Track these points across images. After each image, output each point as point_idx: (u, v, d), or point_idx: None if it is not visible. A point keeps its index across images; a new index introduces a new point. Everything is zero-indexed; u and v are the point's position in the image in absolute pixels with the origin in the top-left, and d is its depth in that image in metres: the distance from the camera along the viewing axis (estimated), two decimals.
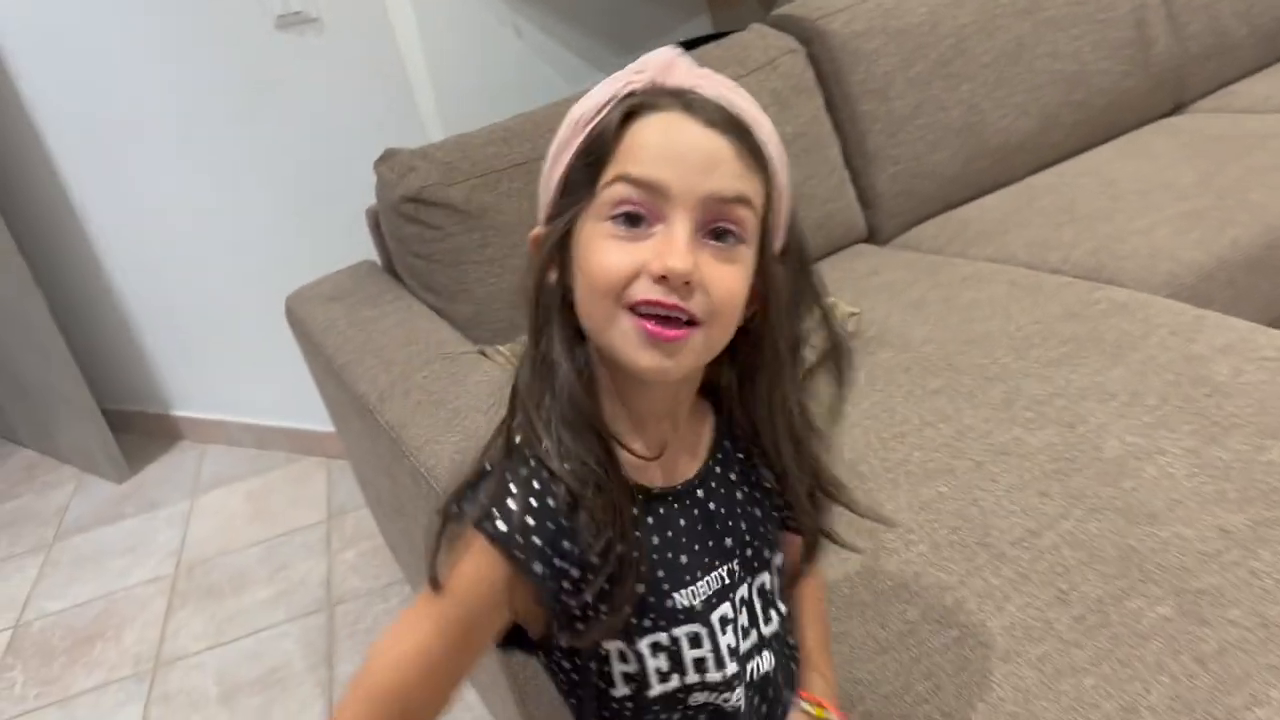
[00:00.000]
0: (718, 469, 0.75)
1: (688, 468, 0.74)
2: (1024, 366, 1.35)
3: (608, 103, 0.65)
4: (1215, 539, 1.00)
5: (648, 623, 0.69)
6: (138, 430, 2.93)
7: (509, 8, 2.10)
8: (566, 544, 0.64)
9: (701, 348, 0.65)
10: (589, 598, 0.65)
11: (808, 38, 1.92)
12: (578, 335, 0.68)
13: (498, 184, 1.64)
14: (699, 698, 0.72)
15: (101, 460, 2.74)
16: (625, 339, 0.63)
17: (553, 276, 0.68)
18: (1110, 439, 1.17)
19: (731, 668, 0.72)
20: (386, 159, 1.68)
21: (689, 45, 1.96)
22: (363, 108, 2.01)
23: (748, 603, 0.75)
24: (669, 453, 0.72)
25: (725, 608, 0.73)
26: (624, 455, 0.67)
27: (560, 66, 2.22)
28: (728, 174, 0.63)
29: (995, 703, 0.90)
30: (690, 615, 0.70)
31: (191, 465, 2.76)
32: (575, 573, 0.65)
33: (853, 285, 1.74)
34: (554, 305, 0.68)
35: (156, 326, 2.74)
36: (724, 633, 0.72)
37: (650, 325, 0.62)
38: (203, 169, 2.32)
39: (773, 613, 0.77)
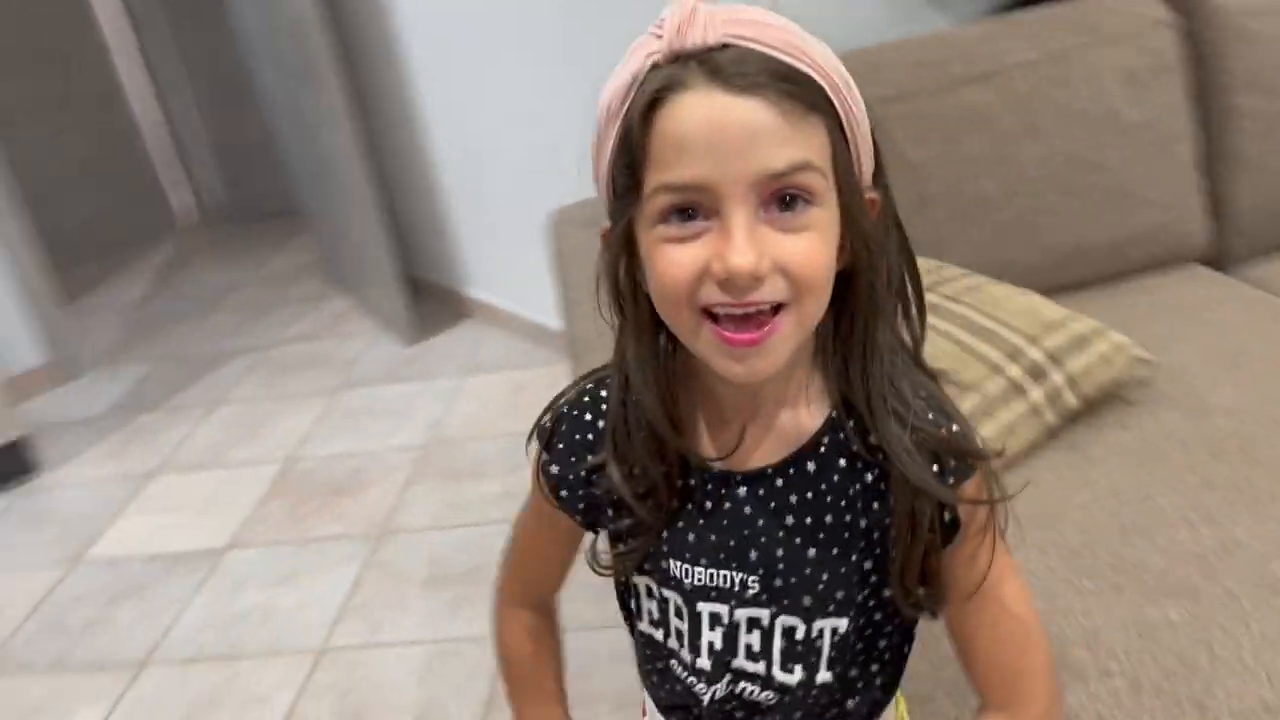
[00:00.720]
0: (780, 481, 0.67)
1: (750, 458, 0.67)
2: None
3: (630, 85, 0.58)
4: None
5: (648, 565, 0.71)
6: (433, 300, 3.11)
7: None
8: (597, 487, 0.70)
9: (794, 331, 0.59)
10: (615, 528, 0.71)
11: (1189, 8, 1.59)
12: (657, 324, 0.64)
13: None
14: (677, 669, 0.73)
15: (396, 321, 2.94)
16: (709, 349, 0.60)
17: (622, 271, 0.64)
18: None
19: (704, 662, 0.70)
20: None
21: (1030, 1, 1.68)
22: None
23: (764, 632, 0.69)
24: (734, 434, 0.67)
25: (720, 609, 0.69)
26: (690, 426, 0.68)
27: (907, 6, 2.01)
28: (775, 143, 0.55)
29: None
30: (677, 586, 0.70)
31: (470, 345, 2.89)
32: (608, 508, 0.71)
33: (1169, 317, 1.45)
34: (630, 299, 0.64)
35: (465, 209, 2.86)
36: (711, 629, 0.70)
37: (729, 333, 0.58)
38: (528, 64, 2.35)
39: (798, 668, 0.69)
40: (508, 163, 2.59)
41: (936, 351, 1.20)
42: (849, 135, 0.59)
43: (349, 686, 1.72)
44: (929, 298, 1.28)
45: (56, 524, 2.35)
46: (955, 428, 0.65)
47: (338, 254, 3.26)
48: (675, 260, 0.57)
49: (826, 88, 0.57)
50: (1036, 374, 1.20)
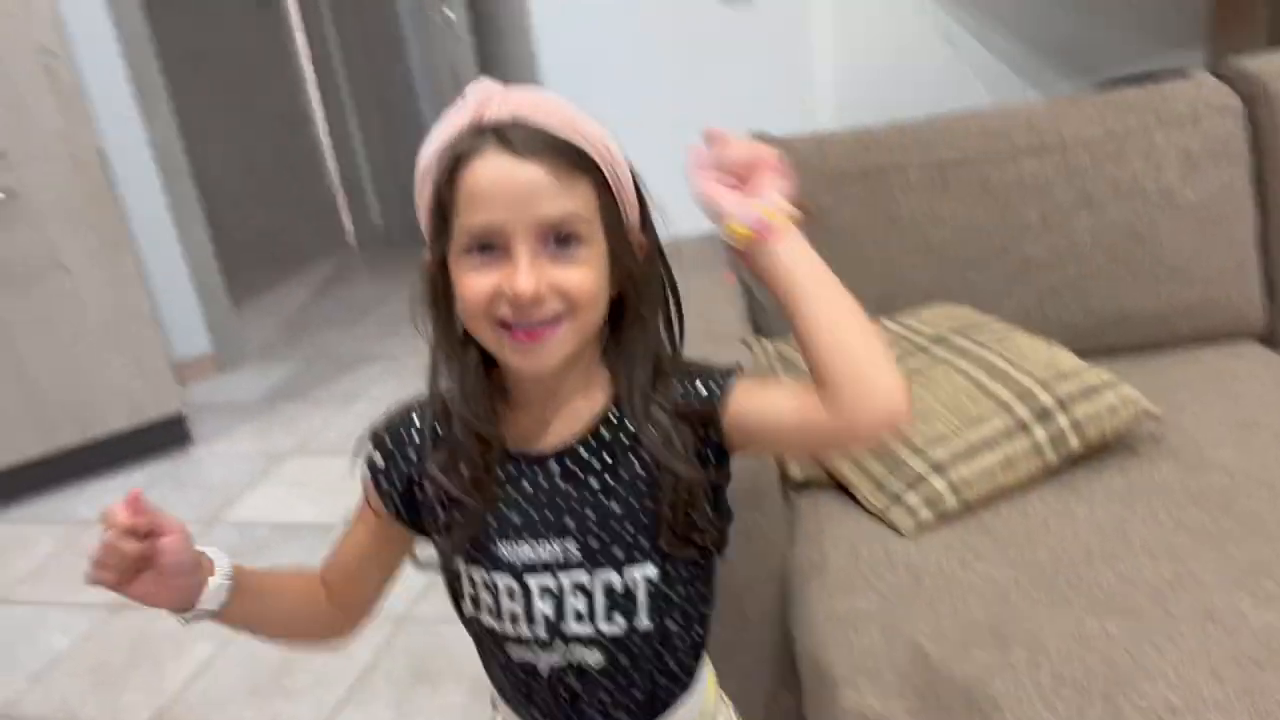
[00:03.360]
0: (583, 451, 0.82)
1: (555, 439, 0.82)
2: None
3: (441, 149, 0.76)
4: None
5: (476, 554, 0.82)
6: None
7: (944, 10, 2.05)
8: (418, 478, 0.83)
9: (571, 335, 0.77)
10: (435, 515, 0.83)
11: (1253, 95, 1.67)
12: (466, 337, 0.81)
13: (840, 187, 1.66)
14: (518, 653, 0.84)
15: None
16: (500, 348, 0.77)
17: (438, 293, 0.80)
18: None
19: (540, 632, 0.81)
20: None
21: (1115, 82, 1.79)
22: (768, 84, 2.10)
23: (586, 592, 0.81)
24: (541, 422, 0.82)
25: (547, 578, 0.81)
26: (502, 418, 0.82)
27: (988, 78, 2.14)
28: (550, 197, 0.73)
29: None
30: (509, 568, 0.81)
31: None
32: (435, 505, 0.82)
33: (1199, 384, 1.52)
34: (445, 316, 0.81)
35: None
36: (541, 599, 0.81)
37: (516, 334, 0.75)
38: (645, 103, 2.57)
39: (619, 617, 0.81)
40: None
41: (951, 388, 1.34)
42: (615, 191, 0.77)
43: (423, 652, 1.92)
44: (960, 342, 1.42)
45: (202, 489, 2.67)
46: (699, 378, 0.82)
47: None
48: (476, 284, 0.75)
49: (593, 154, 0.75)
50: (1042, 415, 1.31)
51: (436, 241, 0.78)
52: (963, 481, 1.26)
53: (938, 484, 1.26)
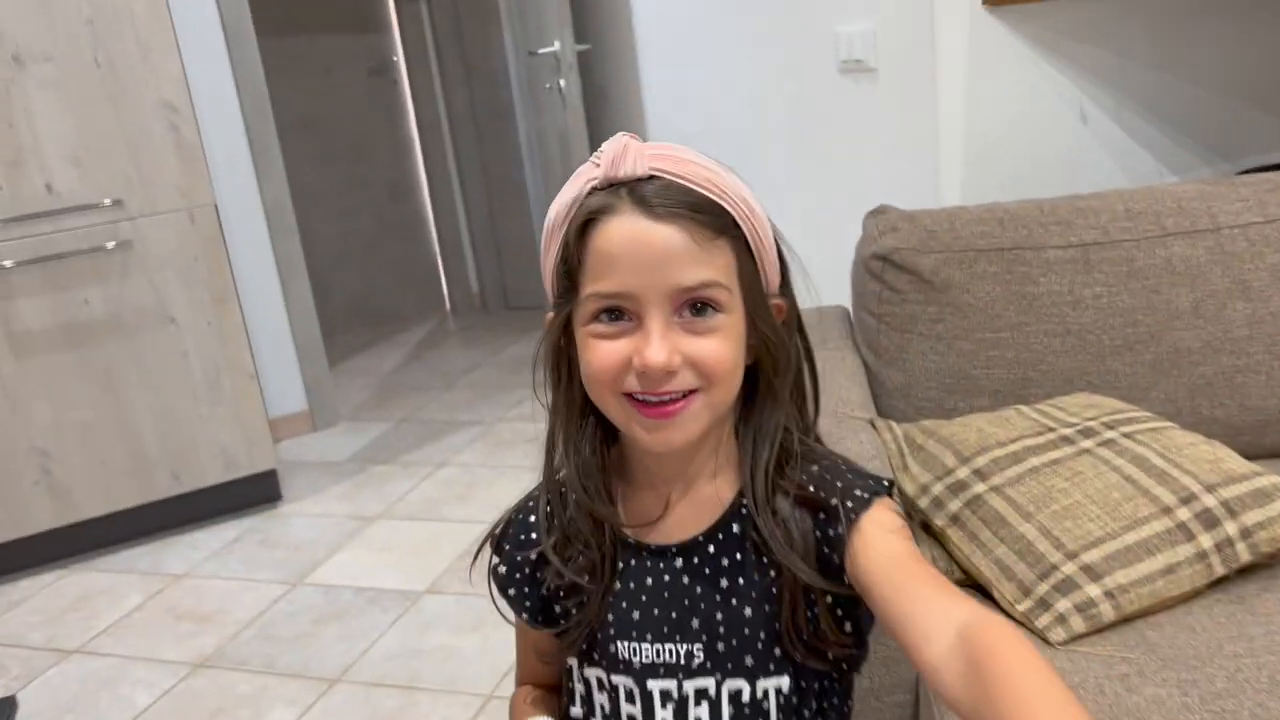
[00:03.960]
0: (712, 547, 0.74)
1: (680, 530, 0.75)
2: None
3: (571, 205, 0.70)
4: None
5: (596, 654, 0.77)
6: None
7: (1078, 89, 1.97)
8: (539, 570, 0.78)
9: (704, 411, 0.70)
10: (557, 610, 0.78)
11: None
12: (588, 406, 0.75)
13: (973, 263, 1.57)
14: None
15: None
16: (627, 423, 0.72)
17: (560, 356, 0.76)
18: None
19: None
20: (877, 214, 1.69)
21: (1256, 170, 1.68)
22: (892, 159, 2.03)
23: (712, 702, 0.73)
24: (664, 508, 0.76)
25: (670, 683, 0.73)
26: (622, 500, 0.76)
27: (1123, 159, 2.04)
28: (687, 263, 0.67)
29: None
30: (627, 669, 0.75)
31: None
32: (545, 590, 0.78)
33: None
34: (565, 381, 0.76)
35: None
36: (663, 706, 0.73)
37: (645, 409, 0.69)
38: (757, 178, 2.52)
39: None
40: None
41: (1103, 484, 1.23)
42: (755, 252, 0.71)
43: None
44: (1110, 435, 1.31)
45: (288, 547, 2.64)
46: (849, 477, 0.73)
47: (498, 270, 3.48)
48: (603, 352, 0.69)
49: (735, 215, 0.69)
50: (1209, 522, 1.19)
51: (562, 301, 0.73)
52: (1119, 589, 1.14)
53: (1091, 590, 1.14)
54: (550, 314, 0.76)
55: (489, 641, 2.09)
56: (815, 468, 0.74)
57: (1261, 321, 1.51)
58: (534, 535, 0.79)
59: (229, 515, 2.83)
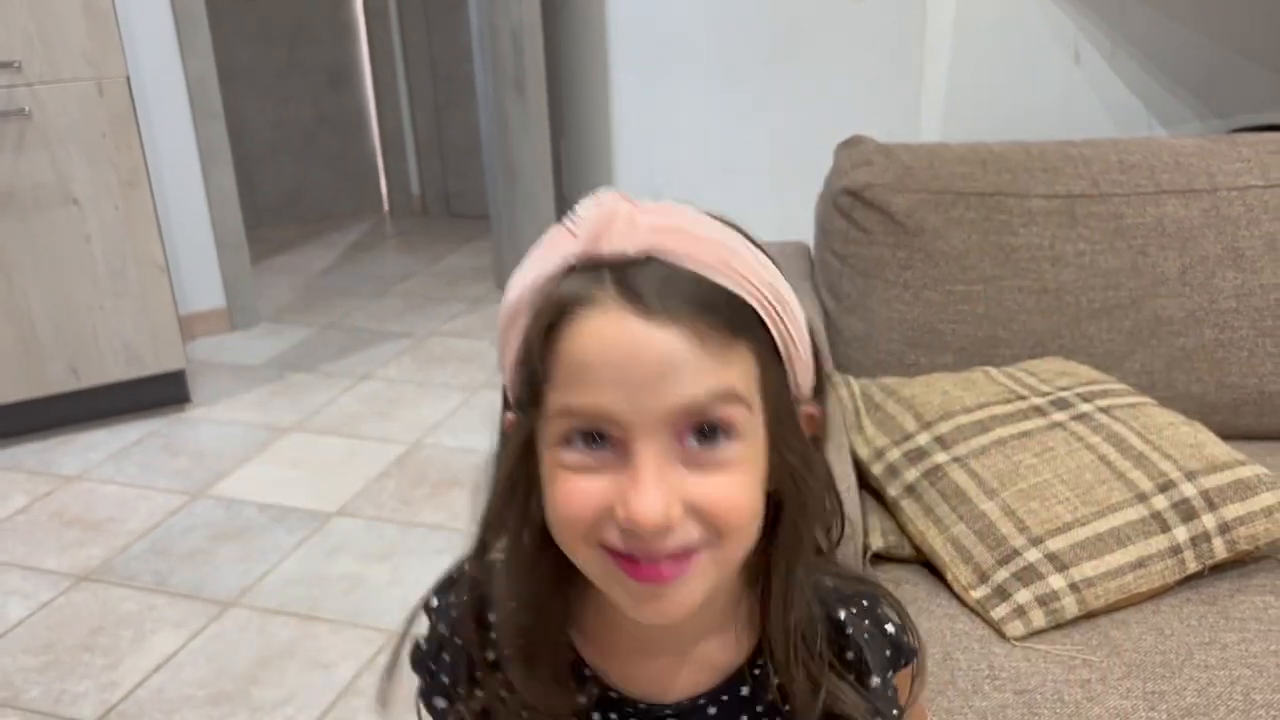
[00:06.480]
0: (713, 710, 0.58)
1: (673, 687, 0.58)
2: None
3: (537, 287, 0.51)
4: None
5: None
6: None
7: (1075, 27, 1.82)
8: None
9: (711, 570, 0.51)
10: None
11: None
12: (548, 540, 0.54)
13: (951, 207, 1.44)
14: None
15: None
16: (611, 584, 0.52)
17: (519, 476, 0.54)
18: None
19: None
20: (851, 144, 1.54)
21: (1249, 129, 1.56)
22: (872, 84, 1.88)
23: None
24: (653, 662, 0.58)
25: None
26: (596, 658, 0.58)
27: (1115, 106, 1.91)
28: (694, 374, 0.48)
29: None
30: None
31: None
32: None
33: None
34: (522, 509, 0.55)
35: None
36: None
37: (633, 569, 0.50)
38: (729, 110, 2.37)
39: None
40: (683, 184, 2.60)
41: (1075, 464, 1.11)
42: (784, 355, 0.52)
43: (411, 674, 1.70)
44: (1084, 408, 1.19)
45: (192, 455, 2.46)
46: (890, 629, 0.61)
47: (512, 260, 3.33)
48: (575, 492, 0.50)
49: (758, 308, 0.50)
50: (1186, 513, 1.08)
51: (524, 407, 0.53)
52: (1085, 582, 1.04)
53: (1055, 582, 1.03)
54: (509, 416, 0.56)
55: (399, 573, 1.96)
56: (842, 614, 0.59)
57: (1250, 293, 1.40)
58: (458, 664, 0.63)
59: (131, 416, 2.64)
